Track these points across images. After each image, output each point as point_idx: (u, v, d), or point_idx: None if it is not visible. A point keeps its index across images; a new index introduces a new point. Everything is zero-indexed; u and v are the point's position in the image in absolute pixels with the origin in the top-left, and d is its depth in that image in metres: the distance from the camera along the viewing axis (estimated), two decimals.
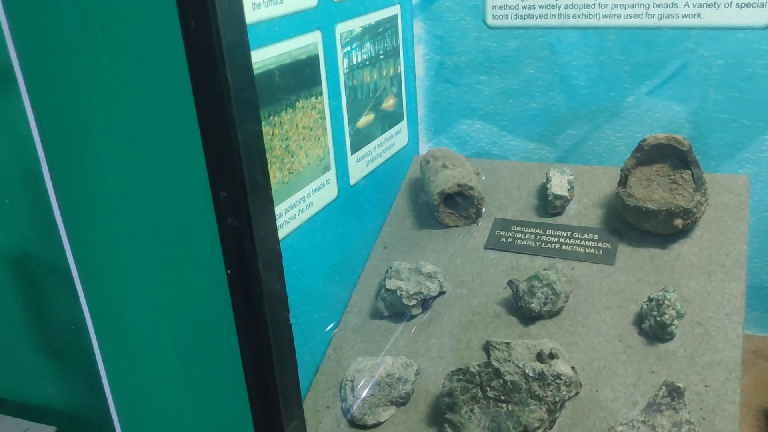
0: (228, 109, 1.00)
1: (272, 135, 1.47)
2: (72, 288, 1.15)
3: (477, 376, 1.53)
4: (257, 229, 1.09)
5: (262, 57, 1.42)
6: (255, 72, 1.39)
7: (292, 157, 1.56)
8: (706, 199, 1.73)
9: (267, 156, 1.46)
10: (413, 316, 1.80)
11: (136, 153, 1.04)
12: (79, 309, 1.17)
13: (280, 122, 1.50)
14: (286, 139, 1.52)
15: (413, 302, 1.77)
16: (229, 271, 1.10)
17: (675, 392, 1.42)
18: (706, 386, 1.49)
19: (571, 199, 1.93)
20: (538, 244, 1.87)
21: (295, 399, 1.31)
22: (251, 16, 1.37)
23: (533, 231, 1.90)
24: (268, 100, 1.45)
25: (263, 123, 1.44)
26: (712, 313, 1.61)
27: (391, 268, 1.84)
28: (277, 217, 1.52)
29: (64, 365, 1.36)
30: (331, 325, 1.85)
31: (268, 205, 1.13)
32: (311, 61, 1.59)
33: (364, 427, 1.61)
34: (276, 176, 1.50)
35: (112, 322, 1.21)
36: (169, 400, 1.26)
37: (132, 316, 1.19)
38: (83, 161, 1.07)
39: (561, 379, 1.47)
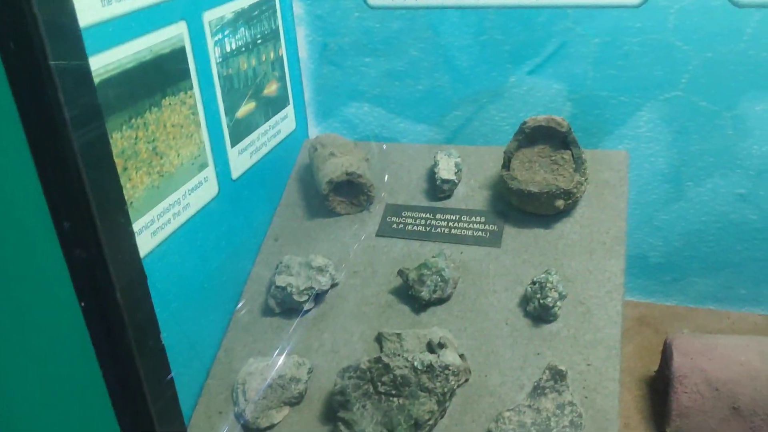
0: (59, 121, 0.92)
1: (136, 139, 1.38)
2: None
3: (368, 372, 1.52)
4: (112, 255, 1.02)
5: (118, 56, 1.31)
6: (110, 74, 1.29)
7: (161, 159, 1.46)
8: (586, 179, 1.77)
9: (132, 162, 1.37)
10: (306, 311, 1.77)
11: None
12: None
13: (144, 124, 1.40)
14: (153, 140, 1.43)
15: (304, 298, 1.74)
16: (83, 304, 1.02)
17: (558, 375, 1.46)
18: (588, 365, 1.54)
19: (459, 182, 1.93)
20: (428, 229, 1.87)
21: (176, 421, 1.25)
22: (101, 13, 1.26)
23: (423, 216, 1.90)
24: (128, 102, 1.35)
25: (124, 127, 1.34)
26: (594, 292, 1.66)
27: (281, 263, 1.80)
28: (149, 224, 1.43)
29: None
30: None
31: (125, 226, 1.05)
32: (176, 55, 1.49)
33: (258, 430, 1.58)
34: (144, 182, 1.41)
35: None
36: None
37: None
38: None
39: (449, 370, 1.48)
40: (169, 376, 1.21)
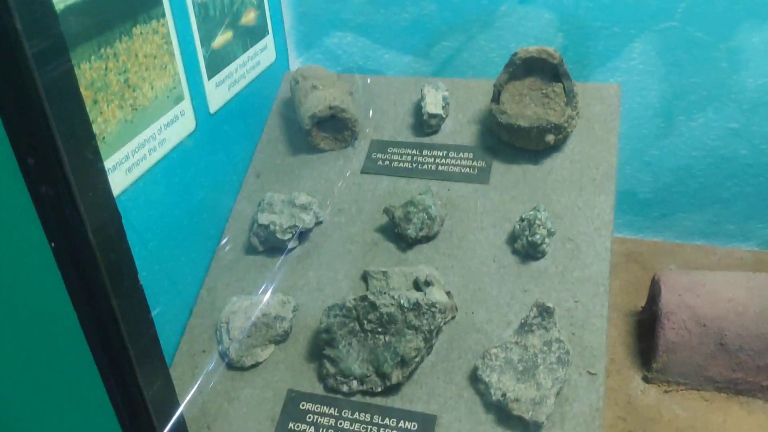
0: (20, 54, 0.84)
1: (106, 70, 1.30)
2: None
3: (354, 310, 1.50)
4: (82, 192, 0.96)
5: None
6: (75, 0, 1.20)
7: (133, 91, 1.39)
8: (578, 113, 1.71)
9: (102, 94, 1.30)
10: (290, 250, 1.73)
11: None
12: None
13: (115, 54, 1.32)
14: (124, 72, 1.35)
15: (288, 236, 1.69)
16: (53, 245, 0.97)
17: (545, 312, 1.45)
18: (576, 302, 1.53)
19: (447, 116, 1.87)
20: (414, 165, 1.81)
21: (156, 360, 1.22)
22: None
23: (409, 152, 1.84)
24: (96, 30, 1.26)
25: (93, 58, 1.26)
26: (583, 228, 1.63)
27: (263, 200, 1.75)
28: (123, 160, 1.37)
29: None
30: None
31: (93, 161, 0.99)
32: None
33: (243, 368, 1.56)
34: (116, 115, 1.34)
35: None
36: (14, 391, 1.16)
37: None
38: None
39: (436, 307, 1.46)
40: (149, 316, 1.17)
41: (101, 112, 1.30)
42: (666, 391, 1.56)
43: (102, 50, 1.28)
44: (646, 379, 1.59)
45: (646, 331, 1.70)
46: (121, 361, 1.12)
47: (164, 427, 1.26)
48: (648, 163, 2.00)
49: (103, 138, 1.31)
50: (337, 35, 2.06)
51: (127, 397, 1.17)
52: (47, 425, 1.19)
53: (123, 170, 1.37)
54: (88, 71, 1.25)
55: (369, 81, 2.01)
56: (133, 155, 1.40)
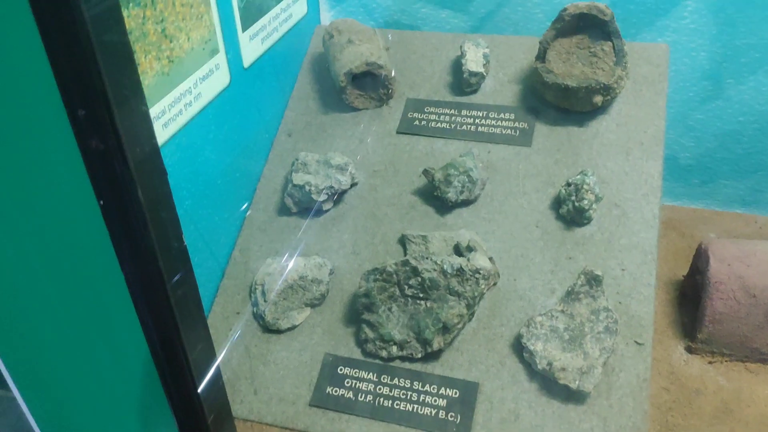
0: (73, 7, 0.78)
1: (144, 18, 1.23)
2: None
3: (394, 275, 1.45)
4: (132, 148, 0.91)
5: None
6: None
7: (171, 42, 1.32)
8: (627, 74, 1.64)
9: (140, 44, 1.23)
10: (324, 212, 1.68)
11: None
12: None
13: (153, 1, 1.25)
14: (162, 21, 1.28)
15: (323, 197, 1.64)
16: (101, 202, 0.92)
17: (593, 280, 1.40)
18: (623, 270, 1.48)
19: (487, 74, 1.79)
20: (453, 126, 1.75)
21: (198, 322, 1.19)
22: None
23: (448, 112, 1.77)
24: None
25: (131, 4, 1.19)
26: (630, 194, 1.58)
27: (297, 160, 1.69)
28: (160, 115, 1.32)
29: None
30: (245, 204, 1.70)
31: (144, 116, 0.94)
32: None
33: (279, 331, 1.53)
34: (153, 68, 1.28)
35: None
36: (60, 347, 1.12)
37: (6, 268, 1.01)
38: None
39: (480, 274, 1.42)
40: (193, 279, 1.13)
41: (139, 64, 1.24)
42: (710, 362, 1.53)
43: None
44: (689, 350, 1.56)
45: (687, 301, 1.66)
46: (167, 322, 1.08)
47: (205, 389, 1.23)
48: (691, 128, 1.93)
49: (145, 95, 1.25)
50: None
51: (171, 357, 1.14)
52: (92, 384, 1.17)
53: (160, 125, 1.32)
54: (126, 19, 1.18)
55: (405, 36, 1.93)
56: (169, 110, 1.34)
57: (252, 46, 1.66)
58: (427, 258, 1.44)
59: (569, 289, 1.42)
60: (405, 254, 1.57)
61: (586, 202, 1.50)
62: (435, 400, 1.39)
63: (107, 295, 1.03)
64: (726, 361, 1.53)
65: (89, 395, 1.22)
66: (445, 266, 1.42)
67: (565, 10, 1.62)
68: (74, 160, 0.88)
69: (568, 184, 1.54)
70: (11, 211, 0.94)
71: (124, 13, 1.17)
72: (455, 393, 1.39)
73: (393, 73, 1.77)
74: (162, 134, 1.33)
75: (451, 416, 1.36)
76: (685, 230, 1.94)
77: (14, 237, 0.98)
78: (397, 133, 1.78)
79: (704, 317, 1.51)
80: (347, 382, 1.44)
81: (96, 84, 0.83)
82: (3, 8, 0.77)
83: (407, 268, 1.44)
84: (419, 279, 1.43)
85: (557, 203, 1.58)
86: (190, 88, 1.41)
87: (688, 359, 1.55)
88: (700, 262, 1.61)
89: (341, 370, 1.45)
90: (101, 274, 0.99)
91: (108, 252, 0.97)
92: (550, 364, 1.35)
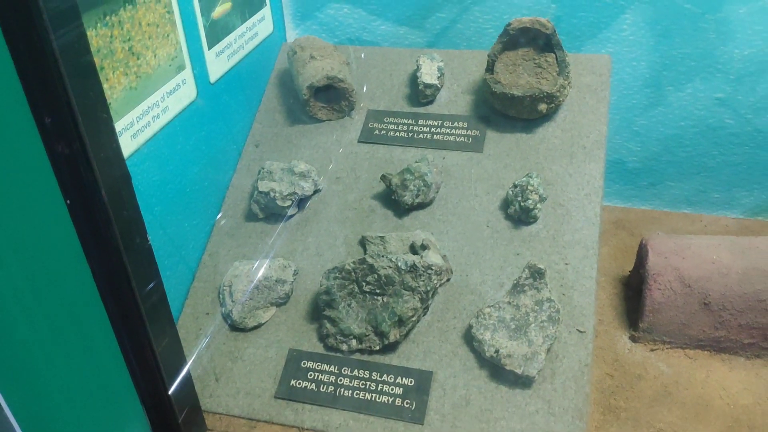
0: (36, 18, 0.88)
1: (111, 37, 1.33)
2: None
3: (353, 273, 1.55)
4: (96, 152, 1.01)
5: None
6: None
7: (138, 59, 1.42)
8: (569, 82, 1.76)
9: (108, 61, 1.33)
10: (289, 217, 1.78)
11: None
12: None
13: (120, 22, 1.35)
14: (129, 39, 1.38)
15: (288, 203, 1.74)
16: (68, 202, 1.02)
17: (537, 273, 1.51)
18: (566, 264, 1.59)
19: (442, 86, 1.91)
20: (410, 135, 1.86)
21: (165, 317, 1.28)
22: None
23: (405, 122, 1.89)
24: None
25: (99, 25, 1.29)
26: (573, 194, 1.69)
27: (263, 168, 1.79)
28: (128, 126, 1.41)
29: None
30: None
31: (106, 123, 1.03)
32: None
33: (245, 329, 1.62)
34: (121, 82, 1.38)
35: None
36: (30, 340, 1.20)
37: None
38: None
39: (432, 270, 1.52)
40: (157, 273, 1.22)
41: (107, 79, 1.33)
42: (652, 350, 1.63)
43: (107, 18, 1.31)
44: (633, 339, 1.66)
45: (633, 294, 1.76)
46: (132, 315, 1.17)
47: (172, 381, 1.32)
48: (636, 133, 2.05)
49: (110, 104, 1.34)
50: (333, 7, 2.09)
51: (138, 350, 1.22)
52: (62, 378, 1.24)
53: (128, 136, 1.41)
54: (94, 38, 1.28)
55: (363, 56, 2.05)
56: (137, 121, 1.44)
57: (218, 62, 1.77)
58: (383, 256, 1.54)
59: (515, 282, 1.53)
60: (365, 254, 1.67)
61: (530, 201, 1.61)
62: (392, 389, 1.48)
63: (76, 290, 1.11)
64: (667, 348, 1.64)
65: (63, 389, 1.30)
66: (399, 263, 1.52)
67: (509, 25, 1.74)
68: (43, 164, 0.97)
69: (515, 186, 1.65)
70: None
71: (92, 33, 1.27)
72: (411, 382, 1.48)
73: (353, 86, 1.88)
74: (130, 144, 1.42)
75: (407, 403, 1.45)
76: (634, 230, 2.05)
77: None
78: (359, 142, 1.89)
79: (644, 307, 1.62)
80: (310, 375, 1.52)
81: (61, 95, 0.93)
82: None
83: (365, 266, 1.54)
84: (376, 276, 1.53)
85: (506, 204, 1.68)
86: (157, 101, 1.51)
87: (631, 348, 1.66)
88: (642, 256, 1.71)
89: (305, 363, 1.54)
90: (69, 269, 1.08)
91: (75, 247, 1.06)
92: (497, 351, 1.45)
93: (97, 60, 1.28)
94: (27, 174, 0.98)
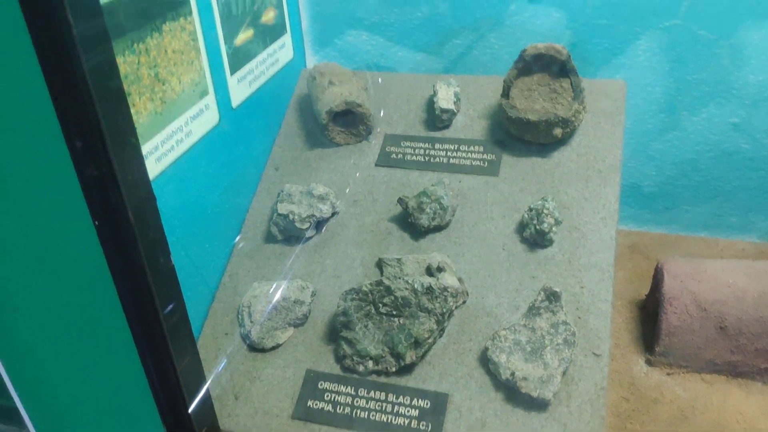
0: (69, 45, 0.92)
1: (138, 64, 1.38)
2: None
3: (369, 294, 1.57)
4: (123, 175, 1.04)
5: None
6: None
7: (163, 85, 1.47)
8: (584, 107, 1.78)
9: (135, 87, 1.38)
10: (308, 239, 1.81)
11: None
12: None
13: (146, 49, 1.40)
14: (155, 66, 1.43)
15: (306, 225, 1.77)
16: (96, 223, 1.05)
17: (552, 296, 1.52)
18: (582, 287, 1.60)
19: (458, 111, 1.94)
20: (427, 159, 1.89)
21: (186, 336, 1.30)
22: None
23: (422, 146, 1.92)
24: (130, 26, 1.35)
25: (127, 52, 1.34)
26: (588, 218, 1.70)
27: (282, 191, 1.83)
28: (153, 150, 1.45)
29: None
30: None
31: (134, 147, 1.07)
32: None
33: (263, 350, 1.64)
34: (147, 107, 1.42)
35: None
36: (56, 358, 1.23)
37: (10, 284, 1.13)
38: None
39: (448, 291, 1.54)
40: (180, 293, 1.25)
41: (134, 104, 1.38)
42: (668, 374, 1.63)
43: (135, 45, 1.37)
44: (649, 363, 1.66)
45: (649, 318, 1.77)
46: (155, 334, 1.20)
47: (192, 399, 1.34)
48: (652, 157, 2.07)
49: (136, 128, 1.39)
50: (352, 33, 2.14)
51: (160, 369, 1.25)
52: (85, 395, 1.27)
53: (153, 159, 1.45)
54: (122, 65, 1.33)
55: (380, 81, 2.09)
56: (162, 145, 1.48)
57: (240, 88, 1.82)
58: (399, 278, 1.56)
59: (530, 305, 1.54)
60: (382, 276, 1.69)
61: (546, 225, 1.62)
62: (408, 411, 1.49)
63: (101, 308, 1.14)
64: (683, 372, 1.64)
65: (86, 407, 1.33)
66: (415, 285, 1.54)
67: (524, 51, 1.77)
68: (73, 186, 1.01)
69: (530, 209, 1.67)
70: (18, 231, 1.07)
71: (120, 59, 1.32)
72: (427, 404, 1.49)
73: (371, 111, 1.92)
74: (155, 168, 1.47)
75: (423, 425, 1.46)
76: (650, 254, 2.06)
77: (19, 256, 1.10)
78: (376, 165, 1.92)
79: (661, 331, 1.62)
80: (327, 396, 1.54)
81: (92, 120, 0.97)
82: (12, 56, 0.91)
83: (381, 288, 1.56)
84: (392, 297, 1.55)
85: (522, 227, 1.70)
86: (181, 126, 1.55)
87: (647, 371, 1.65)
88: (657, 280, 1.72)
89: (321, 384, 1.56)
90: (96, 288, 1.11)
91: (102, 267, 1.09)
92: (513, 374, 1.45)
93: (124, 86, 1.34)
94: (58, 195, 1.02)
